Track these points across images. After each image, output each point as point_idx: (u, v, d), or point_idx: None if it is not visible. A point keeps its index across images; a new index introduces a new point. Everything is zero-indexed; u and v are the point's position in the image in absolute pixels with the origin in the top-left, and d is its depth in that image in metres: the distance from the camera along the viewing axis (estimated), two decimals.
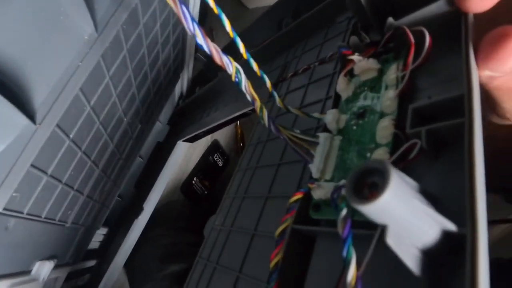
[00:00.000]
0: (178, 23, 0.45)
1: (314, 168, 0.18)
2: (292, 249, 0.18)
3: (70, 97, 0.26)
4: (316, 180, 0.18)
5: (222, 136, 1.08)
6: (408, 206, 0.10)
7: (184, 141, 0.68)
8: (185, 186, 0.93)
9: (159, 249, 0.75)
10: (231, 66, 0.18)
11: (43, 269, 0.37)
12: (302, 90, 0.29)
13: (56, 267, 0.40)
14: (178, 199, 0.94)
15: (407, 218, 0.10)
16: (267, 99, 0.35)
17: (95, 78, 0.29)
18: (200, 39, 0.17)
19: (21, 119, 0.24)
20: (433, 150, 0.14)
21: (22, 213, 0.27)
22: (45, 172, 0.28)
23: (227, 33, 0.19)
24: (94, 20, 0.26)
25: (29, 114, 0.24)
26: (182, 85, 0.76)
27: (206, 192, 0.99)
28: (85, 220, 0.46)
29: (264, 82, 0.23)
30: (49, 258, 0.38)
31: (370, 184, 0.10)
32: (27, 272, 0.34)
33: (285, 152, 0.29)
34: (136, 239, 0.65)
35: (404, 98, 0.16)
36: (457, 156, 0.13)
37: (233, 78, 0.19)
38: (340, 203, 0.14)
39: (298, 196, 0.17)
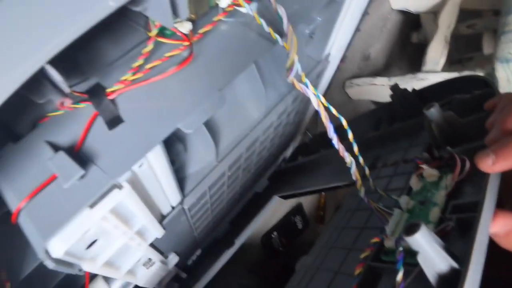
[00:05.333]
0: (304, 111, 0.62)
1: (388, 229, 0.30)
2: (365, 281, 0.29)
3: (238, 152, 0.43)
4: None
5: (306, 201, 1.19)
6: (431, 245, 0.22)
7: (279, 196, 0.82)
8: (265, 237, 1.05)
9: (237, 286, 0.86)
10: (348, 159, 0.32)
11: (173, 259, 0.52)
12: (387, 179, 0.40)
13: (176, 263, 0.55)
14: (255, 244, 1.06)
15: (429, 251, 0.22)
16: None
17: (252, 144, 0.46)
18: (335, 141, 0.31)
19: (211, 155, 0.40)
20: (459, 230, 0.25)
21: (189, 213, 0.43)
22: (209, 194, 0.44)
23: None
24: (265, 107, 0.43)
25: (215, 153, 0.41)
26: (287, 151, 0.92)
27: (281, 249, 1.09)
28: (201, 236, 0.61)
29: (364, 170, 0.36)
30: (177, 253, 0.53)
31: (413, 230, 0.22)
32: (166, 256, 0.49)
33: (368, 221, 0.40)
34: (220, 267, 0.78)
35: (451, 197, 0.27)
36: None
37: (348, 165, 0.33)
38: (399, 245, 0.25)
39: (376, 239, 0.29)
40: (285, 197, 0.83)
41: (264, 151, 0.56)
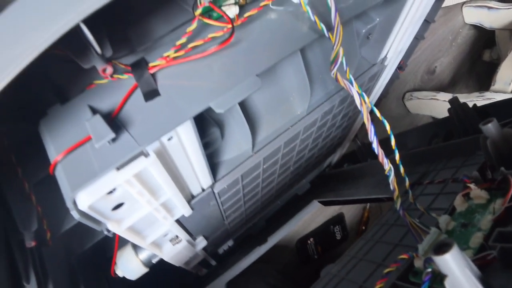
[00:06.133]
0: (354, 116, 0.59)
1: (421, 248, 0.27)
2: None
3: (276, 145, 0.42)
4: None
5: (349, 213, 1.15)
6: (463, 271, 0.19)
7: (319, 201, 0.79)
8: (301, 242, 1.03)
9: (263, 285, 0.85)
10: (387, 165, 0.29)
11: (201, 243, 0.53)
12: (432, 197, 0.37)
13: (204, 247, 0.56)
14: (289, 247, 1.04)
15: (459, 277, 0.19)
16: (402, 193, 0.44)
17: (292, 140, 0.45)
18: (375, 145, 0.29)
19: (247, 144, 0.40)
20: (502, 261, 0.21)
21: (219, 199, 0.43)
22: (241, 184, 0.44)
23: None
24: (308, 105, 0.42)
25: (252, 144, 0.40)
26: (333, 157, 0.89)
27: (316, 257, 1.05)
28: (233, 227, 0.61)
29: (404, 181, 0.33)
30: (205, 237, 0.54)
31: (444, 250, 0.20)
32: (194, 238, 0.50)
33: (403, 238, 0.37)
34: (251, 262, 0.78)
35: (497, 223, 0.24)
36: None
37: (386, 172, 0.30)
38: (428, 266, 0.23)
39: (404, 256, 0.27)
40: (325, 203, 0.80)
41: (305, 150, 0.55)
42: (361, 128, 0.74)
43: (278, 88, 0.42)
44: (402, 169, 0.32)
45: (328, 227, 1.07)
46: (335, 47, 0.27)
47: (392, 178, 0.31)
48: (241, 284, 0.89)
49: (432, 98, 1.12)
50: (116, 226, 0.31)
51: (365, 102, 0.29)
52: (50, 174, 0.26)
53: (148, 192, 0.29)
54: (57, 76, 0.28)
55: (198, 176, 0.34)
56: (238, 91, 0.26)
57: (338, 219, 1.10)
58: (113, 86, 0.27)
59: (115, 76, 0.27)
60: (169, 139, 0.26)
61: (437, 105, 1.12)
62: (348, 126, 0.65)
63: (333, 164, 0.93)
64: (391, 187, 0.31)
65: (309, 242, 1.04)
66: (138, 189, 0.27)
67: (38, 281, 0.35)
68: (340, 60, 0.28)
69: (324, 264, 1.15)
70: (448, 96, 1.09)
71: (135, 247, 0.44)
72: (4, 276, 0.33)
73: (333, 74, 0.29)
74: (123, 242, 0.43)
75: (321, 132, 0.52)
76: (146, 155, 0.25)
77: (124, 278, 0.45)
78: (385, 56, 0.50)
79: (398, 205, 0.30)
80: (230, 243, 0.79)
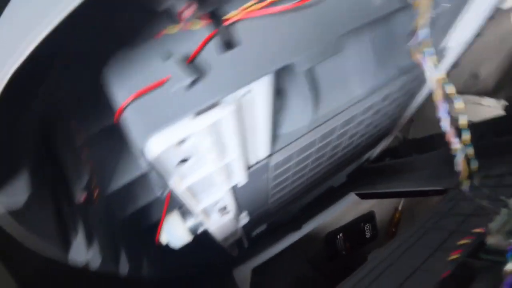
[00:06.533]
0: (405, 106, 0.58)
1: (493, 226, 0.27)
2: (457, 276, 0.26)
3: (332, 125, 0.42)
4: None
5: (380, 212, 1.13)
6: None
7: (356, 193, 0.78)
8: (331, 236, 1.02)
9: (290, 277, 0.85)
10: (456, 144, 0.29)
11: (244, 219, 0.54)
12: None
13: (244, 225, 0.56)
14: (318, 239, 1.03)
15: None
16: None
17: (348, 122, 0.44)
18: (446, 123, 0.28)
19: (306, 119, 0.40)
20: None
21: (272, 173, 0.43)
22: (294, 161, 0.44)
23: None
24: (369, 86, 0.42)
25: (310, 119, 0.40)
26: (374, 151, 0.88)
27: (344, 253, 1.04)
28: (273, 208, 0.62)
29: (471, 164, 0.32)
30: (247, 214, 0.54)
31: None
32: (239, 212, 0.51)
33: (462, 224, 0.36)
34: (281, 249, 0.78)
35: None
36: None
37: (453, 152, 0.30)
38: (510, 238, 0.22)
39: (480, 230, 0.26)
40: (363, 196, 0.79)
41: (355, 137, 0.54)
42: (404, 127, 0.73)
43: (342, 64, 0.41)
44: (471, 151, 0.31)
45: (358, 224, 1.06)
46: (419, 16, 0.27)
47: (460, 158, 0.30)
48: (268, 271, 0.89)
49: (475, 103, 1.09)
50: (178, 182, 0.31)
51: (439, 79, 0.28)
52: (114, 123, 0.25)
53: (216, 148, 0.29)
54: (122, 22, 0.27)
55: (260, 142, 0.35)
56: (322, 50, 0.25)
57: (369, 217, 1.08)
58: (188, 33, 0.26)
59: (190, 22, 0.26)
60: (244, 94, 0.26)
61: (481, 110, 1.08)
62: (397, 117, 0.64)
63: (371, 158, 0.91)
64: (458, 168, 0.31)
65: (338, 237, 1.03)
66: (207, 143, 0.27)
67: (85, 235, 0.35)
68: (423, 31, 0.27)
69: (352, 262, 1.13)
70: (492, 101, 1.05)
71: (183, 214, 0.45)
72: (52, 227, 0.33)
73: (411, 47, 0.29)
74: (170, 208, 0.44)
75: (373, 119, 0.52)
76: (222, 106, 0.25)
77: (162, 252, 0.46)
78: (447, 46, 0.48)
79: (467, 186, 0.30)
80: (263, 227, 0.79)
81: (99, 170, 0.39)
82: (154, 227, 0.45)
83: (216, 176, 0.34)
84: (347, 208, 1.09)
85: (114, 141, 0.35)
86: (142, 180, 0.37)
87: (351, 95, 0.43)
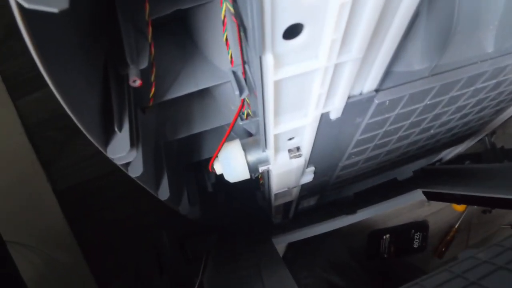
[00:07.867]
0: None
1: None
2: None
3: (456, 77, 0.35)
4: None
5: (434, 226, 1.03)
6: None
7: (424, 191, 0.70)
8: (375, 234, 0.94)
9: (327, 260, 0.79)
10: None
11: (308, 176, 0.48)
12: None
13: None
14: (359, 235, 0.95)
15: None
16: None
17: (471, 83, 0.37)
18: None
19: (426, 61, 0.33)
20: None
21: (368, 119, 0.37)
22: (398, 107, 0.37)
23: None
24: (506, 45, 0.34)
25: (432, 61, 0.33)
26: (448, 152, 0.79)
27: (385, 256, 0.96)
28: (338, 177, 0.55)
29: None
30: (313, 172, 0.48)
31: None
32: (307, 165, 0.45)
33: None
34: (329, 229, 0.72)
35: None
36: None
37: None
38: None
39: None
40: (430, 196, 0.70)
41: (458, 114, 0.46)
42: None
43: (478, 9, 0.34)
44: None
45: (409, 231, 0.97)
46: None
47: None
48: (303, 251, 0.84)
49: None
50: (277, 67, 0.23)
51: None
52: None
53: (341, 29, 0.22)
54: None
55: (376, 62, 0.28)
56: None
57: (422, 226, 0.99)
58: None
59: None
60: None
61: None
62: (493, 115, 0.55)
63: (444, 160, 0.82)
64: None
65: (384, 237, 0.94)
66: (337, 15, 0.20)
67: (131, 132, 0.30)
68: None
69: (390, 268, 1.04)
70: None
71: (245, 147, 0.40)
72: (96, 114, 0.29)
73: None
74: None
75: (480, 98, 0.44)
76: None
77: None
78: None
79: None
80: (313, 201, 0.73)
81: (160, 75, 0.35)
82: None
83: (317, 87, 0.27)
84: (397, 211, 1.01)
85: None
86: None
87: (481, 50, 0.36)
